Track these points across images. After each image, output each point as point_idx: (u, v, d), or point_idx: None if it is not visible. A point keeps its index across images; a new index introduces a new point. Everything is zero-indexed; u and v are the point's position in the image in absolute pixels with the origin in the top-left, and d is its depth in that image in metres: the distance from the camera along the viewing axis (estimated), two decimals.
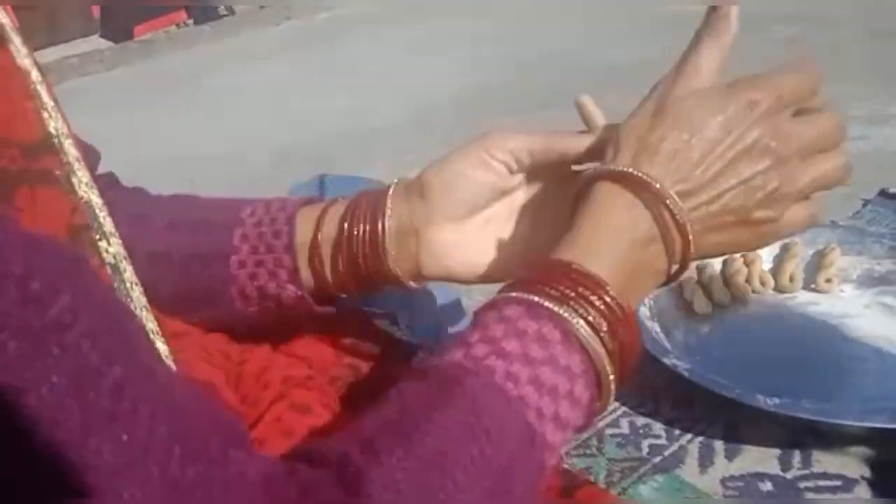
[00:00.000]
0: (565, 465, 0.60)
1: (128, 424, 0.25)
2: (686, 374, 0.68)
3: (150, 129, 1.92)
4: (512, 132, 0.48)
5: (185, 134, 1.85)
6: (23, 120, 0.32)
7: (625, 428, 0.68)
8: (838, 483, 0.59)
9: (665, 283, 0.42)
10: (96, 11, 3.10)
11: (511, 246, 0.50)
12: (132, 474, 0.25)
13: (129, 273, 0.38)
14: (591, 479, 0.61)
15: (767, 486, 0.60)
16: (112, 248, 0.37)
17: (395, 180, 0.51)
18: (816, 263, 0.86)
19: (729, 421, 0.66)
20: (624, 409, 0.70)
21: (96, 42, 3.00)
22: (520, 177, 0.50)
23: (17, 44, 0.36)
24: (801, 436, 0.63)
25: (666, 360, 0.70)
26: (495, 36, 2.30)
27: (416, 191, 0.49)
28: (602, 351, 0.36)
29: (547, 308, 0.36)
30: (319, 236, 0.49)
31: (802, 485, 0.60)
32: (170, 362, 0.38)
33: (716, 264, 0.86)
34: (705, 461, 0.63)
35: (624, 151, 0.40)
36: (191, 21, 3.12)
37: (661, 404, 0.70)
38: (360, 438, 0.32)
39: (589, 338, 0.36)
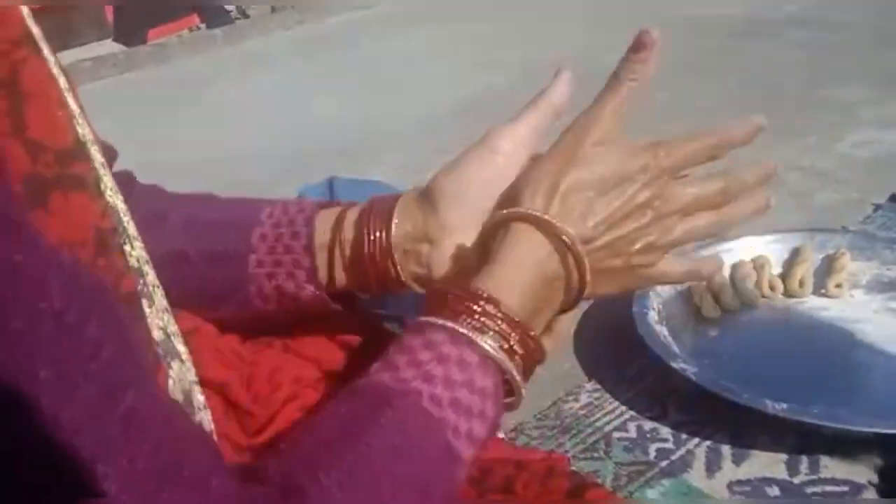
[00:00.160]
0: (573, 468, 0.60)
1: (134, 451, 0.27)
2: (694, 378, 0.68)
3: (162, 133, 1.93)
4: (507, 123, 0.50)
5: (197, 137, 1.86)
6: (57, 126, 0.33)
7: (632, 432, 0.68)
8: (846, 489, 0.59)
9: (559, 312, 0.47)
10: (110, 16, 3.13)
11: (461, 268, 0.50)
12: (132, 497, 0.27)
13: (151, 276, 0.39)
14: (599, 483, 0.61)
15: (775, 490, 0.60)
16: (136, 251, 0.38)
17: (410, 187, 0.51)
18: (826, 268, 0.86)
19: (737, 425, 0.66)
20: (631, 413, 0.71)
21: (110, 46, 3.02)
22: None
23: (45, 52, 0.37)
24: (808, 441, 0.63)
25: (674, 365, 0.70)
26: (502, 40, 2.31)
27: (428, 200, 0.49)
28: (516, 374, 0.41)
29: (468, 336, 0.40)
30: (340, 238, 0.49)
31: (810, 490, 0.60)
32: (189, 364, 0.39)
33: (725, 269, 0.86)
34: (713, 466, 0.63)
35: (538, 195, 0.45)
36: (203, 25, 3.14)
37: (669, 408, 0.70)
38: (302, 459, 0.35)
39: (506, 362, 0.40)
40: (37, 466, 0.26)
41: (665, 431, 0.68)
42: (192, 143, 1.80)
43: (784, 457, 0.63)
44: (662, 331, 0.77)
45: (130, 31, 3.05)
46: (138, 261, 0.37)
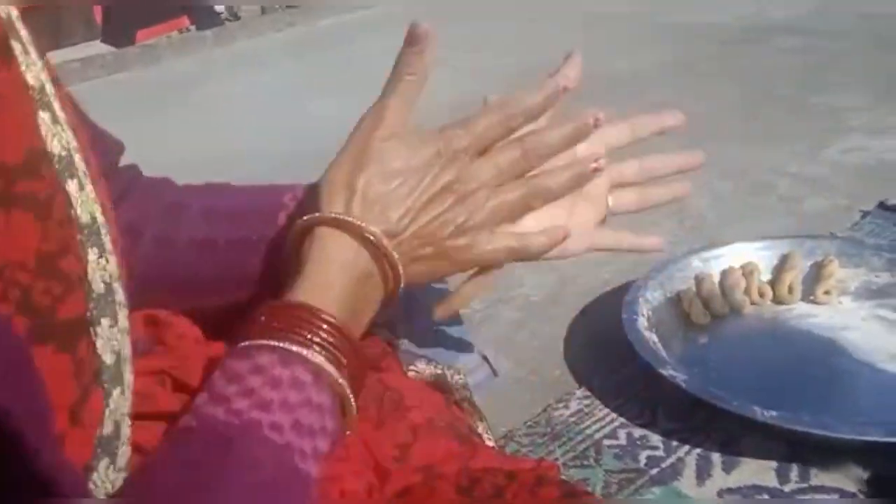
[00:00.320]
0: (563, 476, 0.60)
1: None
2: (684, 385, 0.68)
3: (151, 135, 1.92)
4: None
5: (186, 139, 1.85)
6: (7, 141, 0.32)
7: (622, 439, 0.68)
8: (835, 496, 0.59)
9: (383, 307, 0.47)
10: (99, 16, 3.11)
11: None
12: None
13: (119, 294, 0.38)
14: (589, 491, 0.61)
15: (765, 499, 0.60)
16: (110, 266, 0.37)
17: None
18: (815, 275, 0.86)
19: (727, 433, 0.66)
20: (622, 420, 0.70)
21: (98, 47, 3.00)
22: None
23: (33, 57, 0.36)
24: (798, 449, 0.63)
25: (664, 372, 0.70)
26: (495, 44, 2.31)
27: None
28: (345, 383, 0.40)
29: (297, 353, 0.39)
30: None
31: (800, 498, 0.60)
32: (128, 393, 0.38)
33: (714, 276, 0.86)
34: (703, 473, 0.63)
35: (336, 198, 0.45)
36: (193, 27, 3.13)
37: (659, 416, 0.70)
38: None
39: (335, 374, 0.39)
40: None
41: (655, 439, 0.67)
42: (181, 145, 1.79)
43: (774, 464, 0.63)
44: (652, 337, 0.77)
45: (119, 32, 3.03)
46: (110, 276, 0.36)
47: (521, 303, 0.94)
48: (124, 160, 0.56)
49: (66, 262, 0.34)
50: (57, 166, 0.35)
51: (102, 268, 0.36)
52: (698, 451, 0.66)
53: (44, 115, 0.35)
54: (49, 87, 0.37)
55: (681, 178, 0.54)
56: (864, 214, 1.05)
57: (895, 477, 0.60)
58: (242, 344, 0.40)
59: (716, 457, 0.65)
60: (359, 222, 0.43)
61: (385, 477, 0.47)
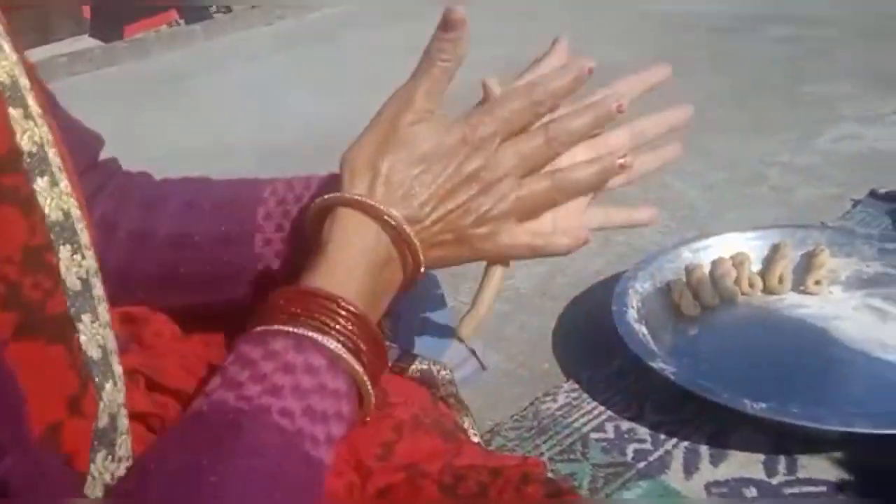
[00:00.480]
0: (549, 473, 0.59)
1: None
2: (673, 378, 0.67)
3: (140, 129, 1.90)
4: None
5: (175, 134, 1.83)
6: None
7: (610, 433, 0.67)
8: (823, 489, 0.59)
9: (402, 291, 0.46)
10: (87, 11, 3.09)
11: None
12: None
13: (97, 289, 0.37)
14: (576, 485, 0.60)
15: (752, 491, 0.60)
16: (86, 261, 0.36)
17: None
18: (806, 265, 0.85)
19: (715, 425, 0.66)
20: (609, 413, 0.70)
21: (86, 41, 2.98)
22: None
23: (6, 51, 0.35)
24: (786, 441, 0.63)
25: (653, 364, 0.69)
26: (487, 37, 2.30)
27: None
28: (362, 371, 0.39)
29: (312, 339, 0.38)
30: None
31: (787, 491, 0.59)
32: (120, 385, 0.37)
33: (704, 266, 0.86)
34: (690, 466, 0.63)
35: (359, 179, 0.44)
36: (182, 21, 3.10)
37: (647, 408, 0.70)
38: (156, 498, 0.33)
39: (352, 362, 0.39)
40: None
41: (643, 432, 0.67)
42: (169, 139, 1.77)
43: (762, 457, 0.63)
44: (641, 329, 0.76)
45: (107, 26, 3.01)
46: (87, 272, 0.36)
47: (511, 294, 0.94)
48: (108, 154, 0.55)
49: (47, 257, 0.33)
50: (27, 161, 0.34)
51: (78, 264, 0.35)
52: (686, 443, 0.65)
53: (14, 112, 0.34)
54: (23, 82, 0.36)
55: (669, 142, 0.52)
56: (855, 203, 1.05)
57: (883, 468, 0.59)
58: (257, 329, 0.39)
59: (703, 449, 0.64)
60: (381, 206, 0.42)
61: (367, 475, 0.46)
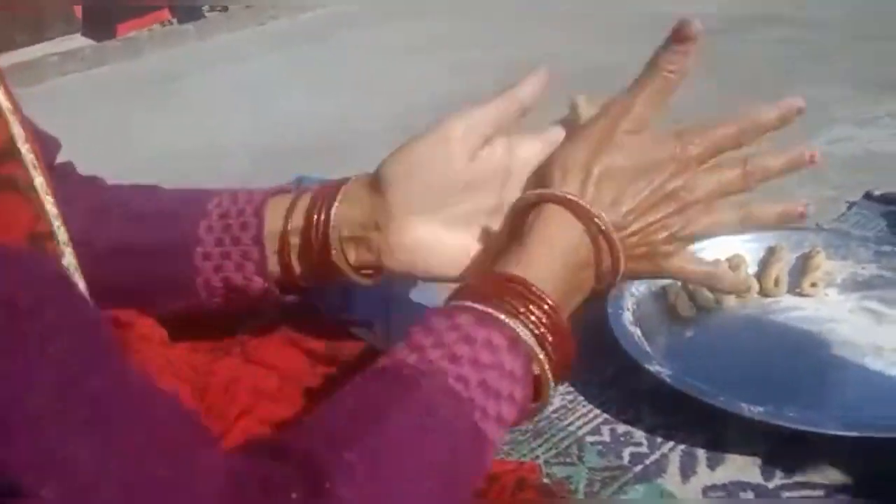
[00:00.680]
0: (545, 477, 0.59)
1: (104, 431, 0.26)
2: (668, 380, 0.66)
3: (130, 129, 1.89)
4: (466, 108, 0.49)
5: (166, 134, 1.82)
6: None
7: (606, 436, 0.67)
8: (820, 493, 0.58)
9: (586, 300, 0.48)
10: (79, 10, 3.06)
11: (486, 249, 0.49)
12: (108, 478, 0.26)
13: (80, 286, 0.37)
14: (572, 489, 0.59)
15: (749, 495, 0.59)
16: (66, 258, 0.36)
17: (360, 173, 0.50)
18: (801, 267, 0.85)
19: (712, 429, 0.65)
20: (605, 416, 0.69)
21: (78, 40, 2.96)
22: (489, 169, 0.49)
23: None
24: (784, 444, 0.62)
25: (648, 366, 0.69)
26: (480, 38, 2.29)
27: (376, 183, 0.48)
28: (546, 360, 0.40)
29: (496, 318, 0.39)
30: (289, 227, 0.48)
31: (785, 494, 0.59)
32: None
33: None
34: (687, 470, 0.62)
35: (571, 178, 0.44)
36: (174, 20, 3.08)
37: (644, 411, 0.69)
38: (323, 435, 0.33)
39: (535, 347, 0.40)
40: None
41: (639, 435, 0.66)
42: (160, 139, 1.76)
43: (759, 460, 0.62)
44: (637, 332, 0.76)
45: (99, 25, 2.99)
46: (68, 268, 0.35)
47: None
48: (99, 154, 0.55)
49: (50, 245, 0.34)
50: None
51: (61, 260, 0.35)
52: (682, 447, 0.64)
53: None
54: None
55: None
56: (851, 205, 1.05)
57: (882, 473, 0.59)
58: (447, 305, 0.40)
59: (700, 453, 0.64)
60: (592, 208, 0.43)
61: None
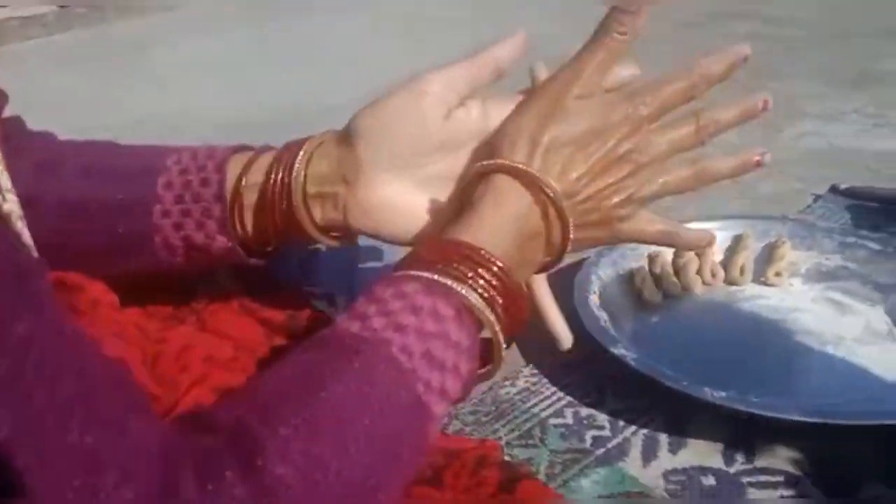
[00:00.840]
0: (506, 457, 0.58)
1: (23, 388, 0.24)
2: (633, 364, 0.66)
3: (93, 98, 1.83)
4: (443, 66, 0.48)
5: (130, 104, 1.77)
6: None
7: (569, 418, 0.66)
8: (780, 479, 0.59)
9: (538, 272, 0.47)
10: None
11: (437, 220, 0.47)
12: (29, 439, 0.23)
13: (26, 236, 0.34)
14: (533, 471, 0.59)
15: (710, 480, 0.59)
16: (7, 204, 0.34)
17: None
18: (767, 256, 0.85)
19: (674, 413, 0.65)
20: (569, 399, 0.69)
21: (40, 5, 2.86)
22: (463, 130, 0.47)
23: None
24: (745, 430, 0.62)
25: (614, 350, 0.68)
26: (458, 18, 2.27)
27: (346, 137, 0.46)
28: (496, 322, 0.39)
29: (443, 284, 0.37)
30: (244, 182, 0.46)
31: (745, 479, 0.59)
32: None
33: (667, 254, 0.85)
34: (649, 454, 0.62)
35: (519, 147, 0.43)
36: None
37: (607, 395, 0.69)
38: (258, 406, 0.32)
39: (485, 310, 0.38)
40: None
41: (602, 418, 0.66)
42: (124, 109, 1.71)
43: (720, 446, 0.62)
44: (603, 316, 0.75)
45: None
46: (10, 216, 0.33)
47: None
48: (63, 123, 0.52)
49: None
50: None
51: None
52: (645, 431, 0.64)
53: None
54: None
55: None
56: (816, 198, 1.06)
57: (840, 459, 0.59)
58: (392, 273, 0.39)
59: (662, 437, 0.63)
60: (541, 176, 0.42)
61: None
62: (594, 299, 0.77)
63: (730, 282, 0.84)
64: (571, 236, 0.44)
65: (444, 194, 0.48)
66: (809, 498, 0.56)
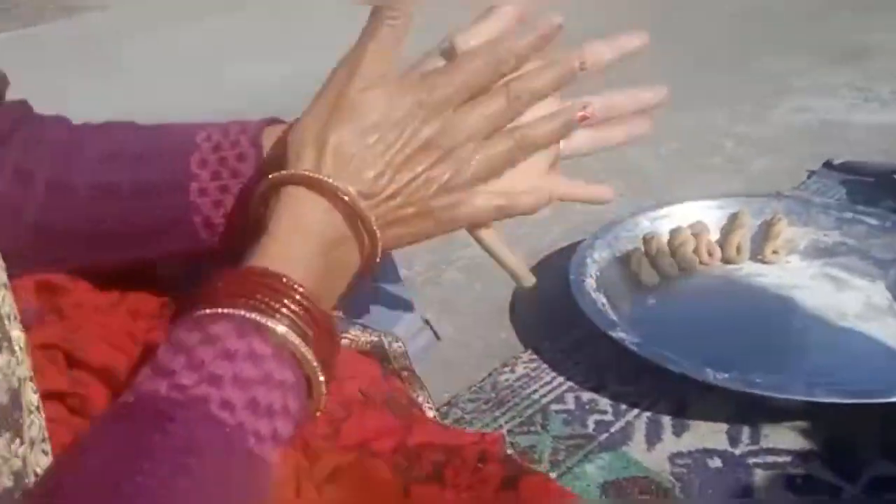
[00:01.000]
0: (508, 451, 0.56)
1: None
2: (633, 347, 0.65)
3: (66, 92, 1.79)
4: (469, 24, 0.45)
5: (106, 98, 1.73)
6: None
7: (570, 404, 0.65)
8: (787, 458, 0.58)
9: (359, 276, 0.43)
10: None
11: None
12: None
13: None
14: (536, 458, 0.57)
15: (716, 462, 0.58)
16: None
17: None
18: (763, 234, 0.85)
19: (677, 396, 0.64)
20: (569, 384, 0.67)
21: None
22: None
23: None
24: (749, 410, 0.61)
25: (613, 334, 0.67)
26: (438, 7, 2.24)
27: None
28: (313, 358, 0.35)
29: (253, 321, 0.34)
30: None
31: (751, 461, 0.58)
32: (22, 356, 0.32)
33: (663, 235, 0.84)
34: (653, 438, 0.61)
35: (306, 154, 0.40)
36: None
37: (608, 379, 0.68)
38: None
39: (301, 347, 0.35)
40: None
41: (604, 403, 0.65)
42: (99, 103, 1.67)
43: (725, 427, 0.61)
44: (600, 299, 0.74)
45: None
46: None
47: (466, 263, 0.90)
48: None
49: None
50: None
51: None
52: (648, 414, 0.63)
53: None
54: None
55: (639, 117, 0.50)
56: (811, 174, 1.05)
57: (845, 437, 0.59)
58: (195, 313, 0.35)
59: (666, 420, 0.62)
60: (331, 180, 0.39)
61: (315, 458, 0.42)
62: (591, 282, 0.76)
63: (727, 260, 0.83)
64: (378, 236, 0.40)
65: None
66: (818, 477, 0.55)
